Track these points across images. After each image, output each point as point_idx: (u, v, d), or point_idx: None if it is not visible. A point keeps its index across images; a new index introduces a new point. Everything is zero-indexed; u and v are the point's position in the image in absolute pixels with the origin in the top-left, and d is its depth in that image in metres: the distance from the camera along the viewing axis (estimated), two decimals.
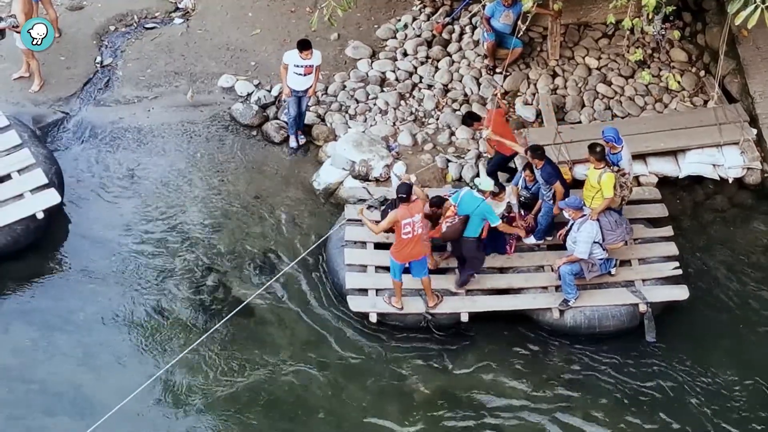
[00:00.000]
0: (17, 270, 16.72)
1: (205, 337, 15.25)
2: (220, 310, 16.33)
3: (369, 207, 16.85)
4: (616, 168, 16.09)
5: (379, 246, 16.52)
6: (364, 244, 16.66)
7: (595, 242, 15.76)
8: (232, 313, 15.37)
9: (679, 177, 18.21)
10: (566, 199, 15.95)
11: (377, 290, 16.15)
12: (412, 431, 15.16)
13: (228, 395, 15.44)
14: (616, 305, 16.13)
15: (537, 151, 16.19)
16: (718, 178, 18.23)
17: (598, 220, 15.83)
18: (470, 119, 17.18)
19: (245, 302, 15.79)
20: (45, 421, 14.99)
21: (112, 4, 20.77)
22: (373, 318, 15.98)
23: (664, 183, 18.09)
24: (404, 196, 15.27)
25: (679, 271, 16.59)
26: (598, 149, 15.92)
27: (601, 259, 15.94)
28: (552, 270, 16.30)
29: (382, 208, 16.72)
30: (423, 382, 15.70)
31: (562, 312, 16.06)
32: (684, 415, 15.36)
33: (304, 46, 17.63)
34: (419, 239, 15.51)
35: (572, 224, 15.93)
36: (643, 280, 16.46)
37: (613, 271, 16.27)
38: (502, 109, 17.60)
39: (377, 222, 16.12)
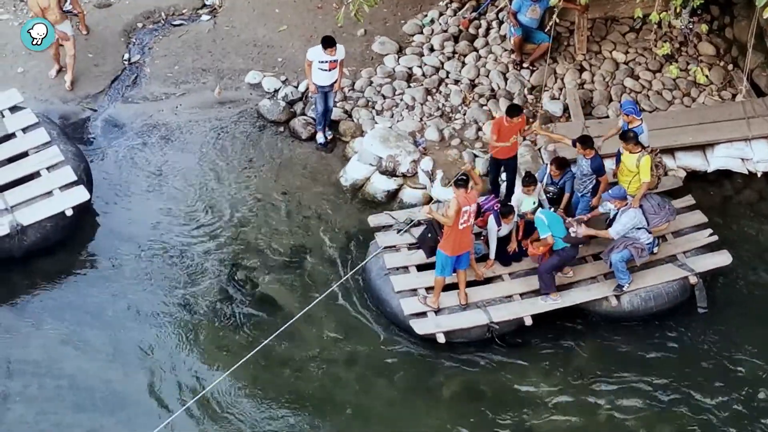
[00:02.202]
0: (47, 266, 16.81)
1: (255, 352, 15.14)
2: (247, 306, 16.40)
3: (398, 231, 16.76)
4: (650, 148, 16.10)
5: (420, 268, 16.40)
6: (406, 268, 16.48)
7: (639, 228, 15.77)
8: (285, 326, 15.21)
9: (708, 171, 18.16)
10: (610, 191, 15.96)
11: (436, 311, 15.97)
12: (439, 427, 15.17)
13: (256, 391, 15.49)
14: (667, 282, 16.23)
15: (587, 141, 16.19)
16: (747, 172, 18.18)
17: (640, 206, 15.87)
18: (516, 111, 16.66)
19: (298, 315, 15.64)
20: (75, 416, 15.07)
21: (140, 1, 20.83)
22: (441, 339, 15.75)
23: (693, 177, 18.03)
24: (463, 181, 15.30)
25: (715, 238, 16.75)
26: (631, 134, 15.99)
27: (648, 244, 15.94)
28: (592, 258, 16.31)
29: (423, 227, 16.59)
30: (451, 377, 15.71)
31: (618, 298, 16.08)
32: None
33: (328, 43, 17.64)
34: (471, 230, 15.58)
35: (615, 214, 15.94)
36: (684, 252, 16.59)
37: (655, 250, 16.29)
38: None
39: (413, 245, 16.54)
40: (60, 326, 16.07)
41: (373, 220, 17.08)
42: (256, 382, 15.58)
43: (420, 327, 15.77)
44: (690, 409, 15.34)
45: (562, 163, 16.48)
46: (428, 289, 16.11)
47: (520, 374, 15.76)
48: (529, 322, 15.93)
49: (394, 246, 16.69)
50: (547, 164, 16.84)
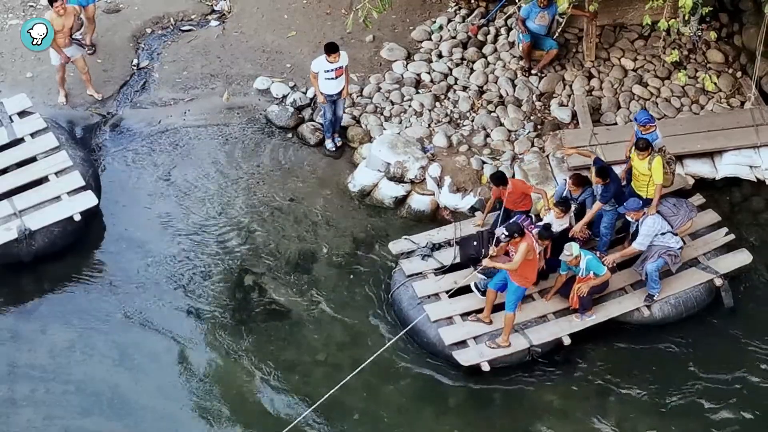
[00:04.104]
0: (55, 271, 16.83)
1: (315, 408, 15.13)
2: (255, 312, 16.40)
3: (424, 257, 16.59)
4: (659, 147, 16.12)
5: (451, 294, 16.22)
6: (437, 295, 16.23)
7: (663, 233, 15.75)
8: (352, 374, 15.12)
9: (716, 179, 18.13)
10: (625, 204, 15.91)
11: (475, 338, 15.77)
12: None
13: (263, 395, 15.50)
14: (694, 286, 16.26)
15: (602, 173, 15.92)
16: (755, 180, 18.14)
17: (658, 212, 15.87)
18: (499, 180, 16.35)
19: (393, 340, 15.69)
20: (82, 421, 15.08)
21: (149, 7, 20.88)
22: (486, 367, 15.51)
23: (701, 185, 17.98)
24: (521, 232, 15.11)
25: (732, 236, 16.78)
26: (641, 144, 15.92)
27: (679, 248, 15.90)
28: (608, 266, 16.07)
29: (458, 245, 16.55)
30: (458, 384, 15.68)
31: (649, 308, 16.08)
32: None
33: (332, 49, 17.64)
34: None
35: (636, 225, 15.91)
36: (705, 254, 16.60)
37: (679, 253, 16.17)
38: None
39: (439, 269, 16.38)
40: (67, 331, 16.09)
41: (394, 247, 16.84)
42: (263, 388, 15.58)
43: (464, 358, 15.54)
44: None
45: (579, 181, 16.32)
46: (463, 315, 15.95)
47: (529, 381, 15.74)
48: (567, 341, 15.84)
49: (420, 273, 16.50)
50: (566, 179, 16.69)
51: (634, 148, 16.09)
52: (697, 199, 17.26)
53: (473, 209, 17.49)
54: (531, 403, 15.49)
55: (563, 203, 16.10)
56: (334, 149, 18.55)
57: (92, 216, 17.23)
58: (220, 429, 15.08)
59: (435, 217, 17.74)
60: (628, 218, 16.01)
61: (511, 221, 15.39)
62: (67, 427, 15.04)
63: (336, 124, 18.44)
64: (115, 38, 20.23)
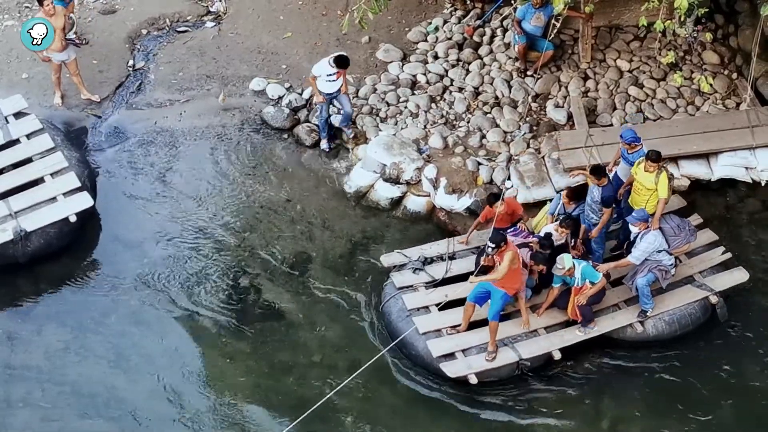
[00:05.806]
0: (50, 272, 16.83)
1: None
2: (251, 313, 16.40)
3: (415, 270, 16.51)
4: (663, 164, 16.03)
5: (442, 307, 16.12)
6: (427, 308, 16.15)
7: (659, 251, 15.66)
8: (349, 378, 15.21)
9: (712, 180, 18.13)
10: (634, 213, 15.79)
11: (463, 351, 15.69)
12: None
13: (259, 397, 15.49)
14: (689, 303, 16.18)
15: (598, 171, 15.90)
16: (751, 181, 18.14)
17: (660, 228, 15.77)
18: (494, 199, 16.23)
19: (380, 354, 15.64)
20: (78, 422, 15.08)
21: (145, 8, 20.85)
22: (474, 380, 15.44)
23: (696, 186, 18.01)
24: (503, 243, 15.07)
25: (729, 255, 16.71)
26: (653, 155, 15.75)
27: (671, 265, 15.83)
28: (603, 275, 15.97)
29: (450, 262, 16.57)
30: (455, 386, 15.67)
31: (643, 324, 15.99)
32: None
33: (342, 64, 17.72)
34: None
35: (635, 236, 15.82)
36: (701, 272, 16.53)
37: (673, 271, 16.10)
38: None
39: (431, 283, 16.29)
40: (63, 332, 16.10)
41: (386, 260, 16.75)
42: (259, 389, 15.58)
43: (451, 369, 15.47)
44: None
45: (573, 194, 16.27)
46: (452, 327, 15.86)
47: (526, 386, 15.75)
48: (558, 356, 15.77)
49: (411, 285, 16.43)
50: (560, 194, 16.63)
51: (645, 159, 15.85)
52: (695, 218, 17.15)
53: (469, 210, 17.49)
54: (527, 406, 15.49)
55: (573, 221, 16.03)
56: (328, 149, 18.54)
57: (88, 217, 17.22)
58: (217, 430, 15.08)
59: (431, 219, 17.75)
60: (632, 229, 15.82)
61: (496, 234, 15.32)
62: (64, 429, 15.04)
63: (344, 121, 18.49)
64: (110, 39, 20.21)
